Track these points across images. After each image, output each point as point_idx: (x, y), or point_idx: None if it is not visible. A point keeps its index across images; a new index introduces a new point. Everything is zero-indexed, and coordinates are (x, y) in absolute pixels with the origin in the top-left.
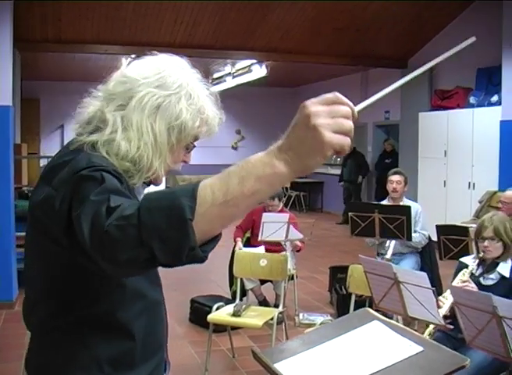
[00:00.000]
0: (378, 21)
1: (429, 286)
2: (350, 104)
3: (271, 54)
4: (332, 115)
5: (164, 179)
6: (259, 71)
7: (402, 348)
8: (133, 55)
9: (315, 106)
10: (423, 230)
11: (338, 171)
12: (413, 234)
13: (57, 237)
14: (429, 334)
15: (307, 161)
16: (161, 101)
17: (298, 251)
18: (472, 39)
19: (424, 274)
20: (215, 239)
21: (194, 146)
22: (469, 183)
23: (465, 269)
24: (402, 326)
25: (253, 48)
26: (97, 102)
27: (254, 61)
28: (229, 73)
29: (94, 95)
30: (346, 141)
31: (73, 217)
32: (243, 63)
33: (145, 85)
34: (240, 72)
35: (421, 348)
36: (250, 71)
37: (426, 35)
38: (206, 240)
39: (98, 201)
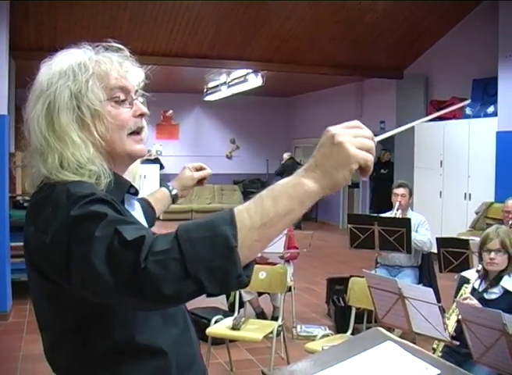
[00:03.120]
0: (374, 32)
1: (435, 301)
2: (370, 131)
3: (267, 64)
4: (354, 135)
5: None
6: (255, 81)
7: (418, 370)
8: None
9: (339, 129)
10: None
11: None
12: (416, 234)
13: (56, 280)
14: (440, 351)
15: (334, 176)
16: (49, 102)
17: (295, 258)
18: (467, 101)
19: (430, 290)
20: (252, 263)
21: (132, 98)
22: (465, 193)
23: (466, 285)
24: (415, 346)
25: (249, 58)
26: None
27: (250, 70)
28: (224, 83)
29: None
30: (369, 157)
31: (76, 259)
32: (238, 73)
33: (36, 99)
34: (236, 81)
35: (438, 371)
36: (245, 80)
37: (422, 46)
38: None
39: (105, 236)
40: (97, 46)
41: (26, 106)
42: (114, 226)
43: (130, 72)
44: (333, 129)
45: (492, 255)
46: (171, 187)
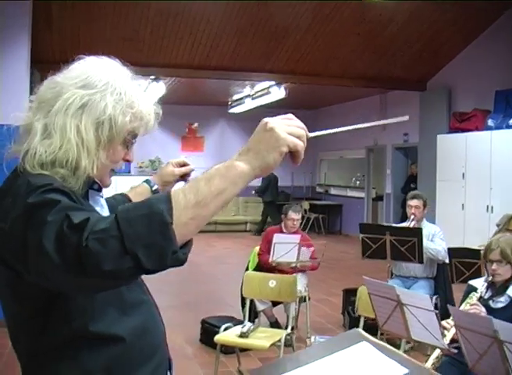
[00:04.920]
0: (394, 44)
1: (432, 308)
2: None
3: (288, 76)
4: (286, 124)
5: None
6: (278, 93)
7: (387, 369)
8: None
9: (273, 119)
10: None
11: (357, 193)
12: (430, 243)
13: (16, 267)
14: (437, 357)
15: (265, 158)
16: (86, 101)
17: (312, 269)
18: (405, 118)
19: (427, 296)
20: (189, 242)
21: (133, 143)
22: (487, 206)
23: (473, 293)
24: (390, 347)
25: (271, 70)
26: (30, 114)
27: (273, 83)
28: (249, 95)
29: (30, 106)
30: (298, 142)
31: (31, 244)
32: (261, 85)
33: (70, 87)
34: (259, 93)
35: (406, 370)
36: (268, 93)
37: (444, 57)
38: (182, 244)
39: (56, 221)
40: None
41: (59, 82)
42: (65, 211)
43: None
44: (267, 119)
45: (494, 266)
46: (152, 183)
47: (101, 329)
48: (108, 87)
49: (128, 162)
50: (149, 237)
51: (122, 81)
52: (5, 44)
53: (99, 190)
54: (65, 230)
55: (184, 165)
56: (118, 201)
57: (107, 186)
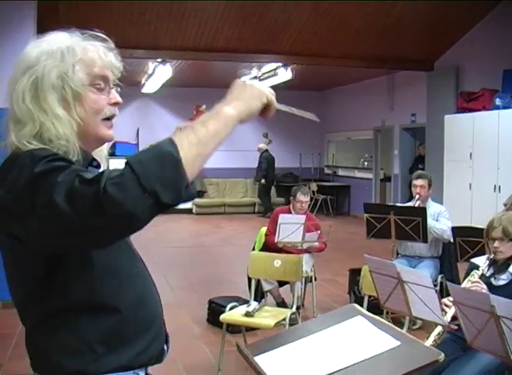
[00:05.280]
0: (401, 23)
1: (431, 285)
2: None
3: (295, 57)
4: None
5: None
6: (284, 74)
7: (380, 342)
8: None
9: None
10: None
11: (365, 174)
12: (435, 222)
13: (15, 231)
14: (438, 334)
15: (250, 105)
16: (34, 78)
17: (319, 251)
18: (315, 118)
19: (426, 274)
20: (193, 183)
21: (110, 86)
22: (495, 186)
23: (475, 270)
24: (384, 321)
25: (277, 52)
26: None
27: (280, 64)
28: (256, 77)
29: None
30: (273, 97)
31: (40, 205)
32: (268, 67)
33: (18, 76)
34: (266, 75)
35: (398, 343)
36: (275, 74)
37: (452, 37)
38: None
39: (67, 180)
40: (85, 33)
41: (10, 78)
42: (76, 172)
43: (112, 63)
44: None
45: (496, 243)
46: None
47: (99, 299)
48: (43, 55)
49: (117, 104)
50: (163, 173)
51: (58, 43)
52: (11, 43)
53: (97, 167)
54: (76, 185)
55: None
56: None
57: (110, 139)
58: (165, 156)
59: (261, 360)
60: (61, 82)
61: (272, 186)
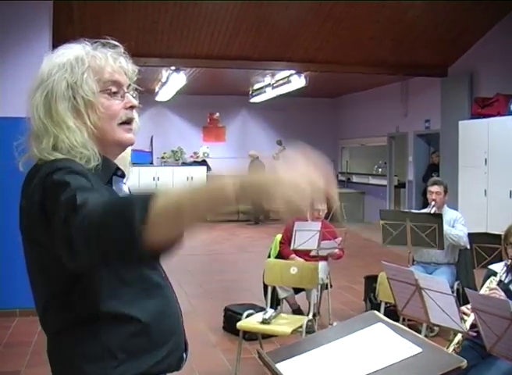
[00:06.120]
0: (414, 29)
1: (450, 292)
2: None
3: (308, 64)
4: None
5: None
6: (298, 81)
7: (402, 349)
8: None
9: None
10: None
11: (379, 181)
12: (451, 229)
13: (40, 239)
14: (457, 343)
15: (261, 201)
16: (46, 93)
17: (338, 258)
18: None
19: (444, 280)
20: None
21: (124, 91)
22: (510, 191)
23: (493, 277)
24: (405, 328)
25: (290, 59)
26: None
27: (293, 71)
28: (269, 84)
29: None
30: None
31: (52, 219)
32: (282, 74)
33: (32, 93)
34: (280, 82)
35: (419, 349)
36: (289, 82)
37: (465, 42)
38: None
39: (66, 201)
40: (96, 42)
41: (28, 94)
42: (75, 191)
43: (123, 67)
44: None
45: None
46: None
47: (121, 310)
48: (54, 69)
49: (133, 108)
50: (119, 238)
51: (68, 55)
52: (27, 44)
53: (122, 176)
54: (70, 213)
55: None
56: None
57: (129, 142)
58: (127, 220)
59: (282, 367)
60: (71, 92)
61: None
